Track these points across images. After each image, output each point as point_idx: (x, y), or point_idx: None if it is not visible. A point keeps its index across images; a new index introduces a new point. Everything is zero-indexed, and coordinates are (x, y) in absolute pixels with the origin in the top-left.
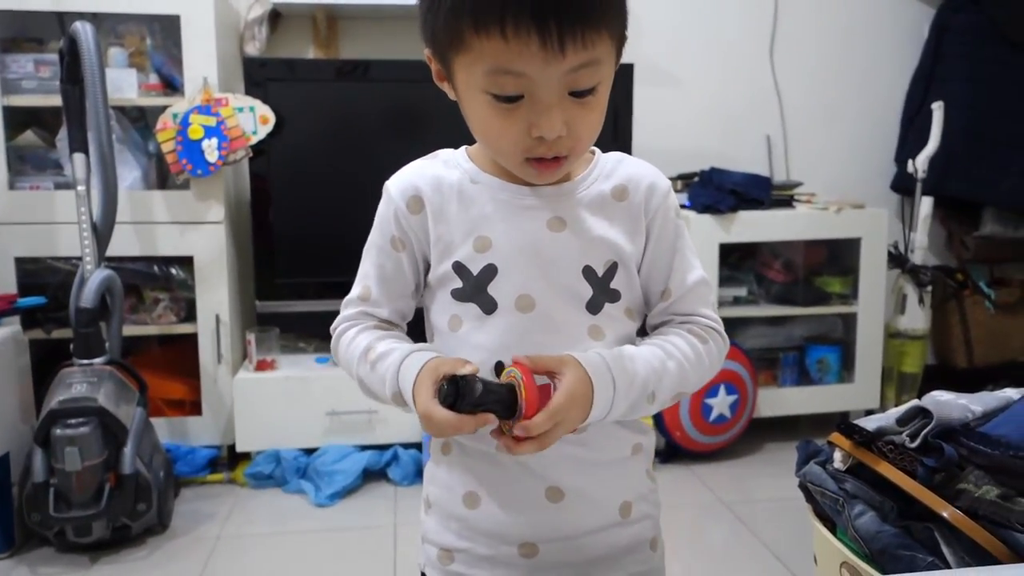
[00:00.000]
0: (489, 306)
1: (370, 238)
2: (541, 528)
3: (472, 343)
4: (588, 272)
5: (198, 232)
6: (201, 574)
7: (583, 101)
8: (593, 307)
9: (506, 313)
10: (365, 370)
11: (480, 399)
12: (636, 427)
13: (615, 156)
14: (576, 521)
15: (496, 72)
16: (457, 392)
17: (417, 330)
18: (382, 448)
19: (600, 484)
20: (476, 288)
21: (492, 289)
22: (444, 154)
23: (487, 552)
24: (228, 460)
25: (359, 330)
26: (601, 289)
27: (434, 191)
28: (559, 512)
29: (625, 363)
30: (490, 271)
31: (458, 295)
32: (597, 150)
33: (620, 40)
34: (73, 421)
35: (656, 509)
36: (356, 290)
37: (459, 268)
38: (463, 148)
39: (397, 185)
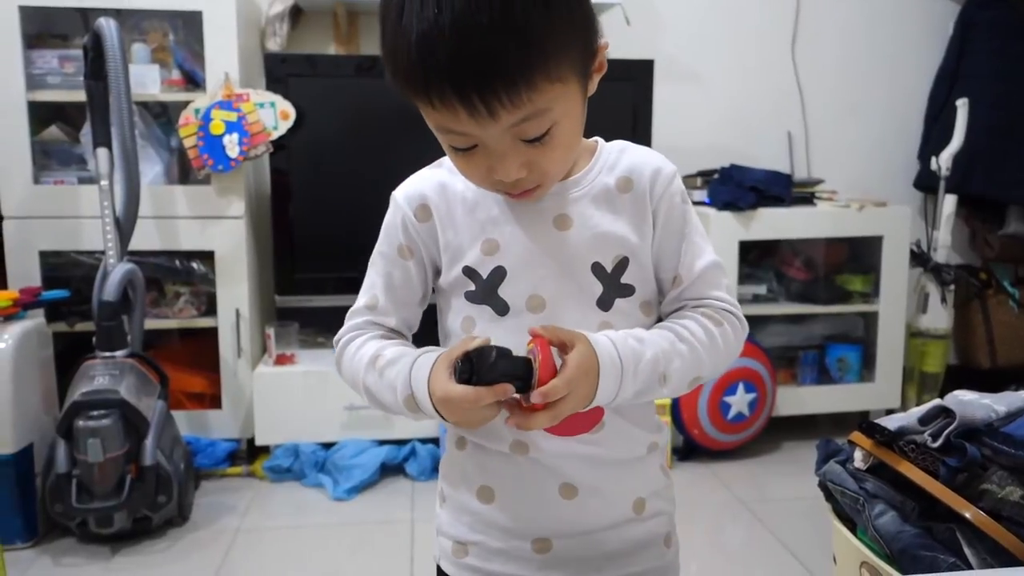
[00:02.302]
0: (501, 308)
1: (376, 248)
2: (554, 524)
3: None
4: (597, 268)
5: (219, 227)
6: (220, 566)
7: (538, 145)
8: (604, 304)
9: (518, 314)
10: (373, 378)
11: (495, 367)
12: (651, 425)
13: (617, 146)
14: (590, 517)
15: (440, 130)
16: (472, 367)
17: (425, 340)
18: (400, 443)
19: (614, 481)
20: (487, 291)
21: (503, 291)
22: (448, 161)
23: (501, 546)
24: (247, 453)
25: (366, 339)
26: (612, 285)
27: (440, 198)
28: (573, 508)
29: (631, 343)
30: (499, 274)
31: (471, 298)
32: (600, 140)
33: (581, 65)
34: (95, 413)
35: (671, 506)
36: (362, 300)
37: (470, 272)
38: None
39: (404, 194)
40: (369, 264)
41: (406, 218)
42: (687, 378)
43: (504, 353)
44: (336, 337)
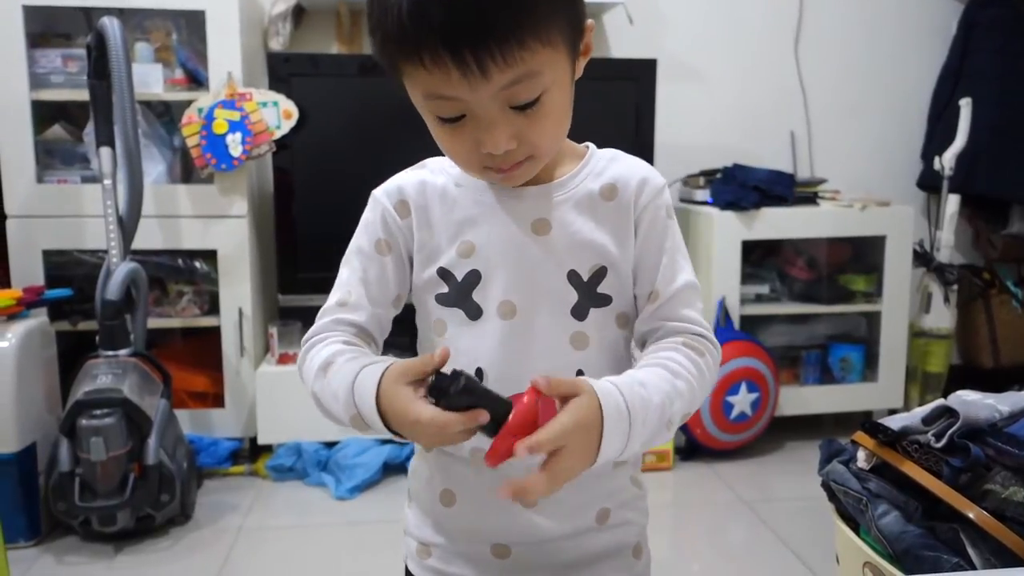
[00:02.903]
0: (474, 312)
1: (352, 245)
2: (513, 530)
3: (456, 348)
4: (573, 276)
5: (222, 226)
6: (223, 565)
7: (528, 112)
8: (578, 313)
9: (490, 319)
10: (320, 384)
11: (468, 389)
12: None
13: (608, 153)
14: (549, 526)
15: (430, 97)
16: (440, 389)
17: (401, 343)
18: (402, 442)
19: (576, 492)
20: (460, 294)
21: (477, 295)
22: (431, 162)
23: (461, 549)
24: (250, 452)
25: (327, 343)
26: (587, 294)
27: (419, 195)
28: (532, 516)
29: (637, 389)
30: (474, 277)
31: (443, 300)
32: (592, 146)
33: (570, 36)
34: (98, 412)
35: (642, 516)
36: (333, 297)
37: (444, 273)
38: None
39: (384, 190)
40: (342, 263)
41: (386, 212)
42: (682, 415)
43: (473, 382)
44: (303, 338)
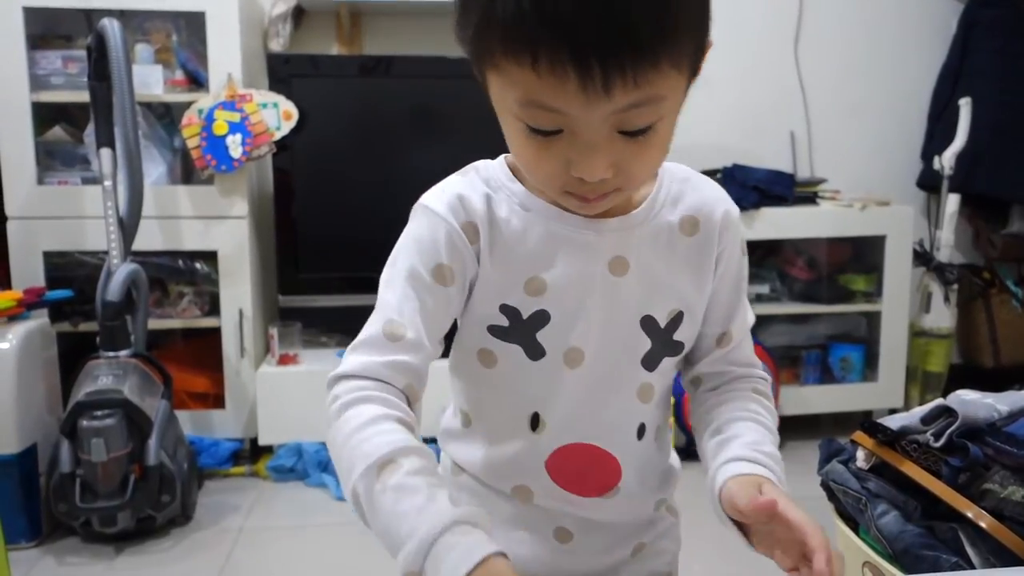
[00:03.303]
0: (536, 353)
1: (400, 264)
2: (546, 565)
3: (509, 386)
4: (648, 323)
5: (222, 227)
6: (224, 565)
7: (637, 140)
8: (650, 362)
9: (553, 363)
10: (367, 484)
11: None
12: (664, 481)
13: (680, 173)
14: (584, 561)
15: (529, 104)
16: None
17: None
18: None
19: (613, 532)
20: (524, 334)
21: (541, 336)
22: (484, 171)
23: None
24: (250, 453)
25: (377, 413)
26: (663, 342)
27: (487, 216)
28: (566, 551)
29: (778, 471)
30: (541, 318)
31: (499, 333)
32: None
33: (694, 58)
34: (99, 413)
35: (675, 544)
36: (376, 325)
37: (507, 310)
38: (502, 160)
39: (446, 204)
40: (384, 282)
41: (453, 233)
42: None
43: None
44: (337, 372)
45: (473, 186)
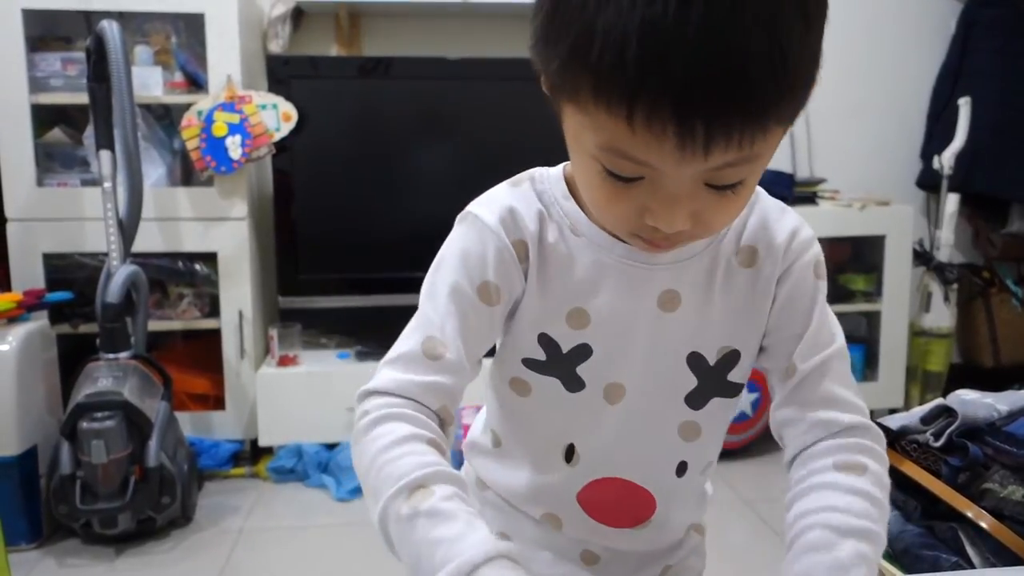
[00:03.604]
0: (575, 385)
1: (444, 276)
2: None
3: (545, 416)
4: (695, 360)
5: (222, 228)
6: (224, 566)
7: (725, 194)
8: (695, 401)
9: (592, 397)
10: (396, 506)
11: None
12: (696, 507)
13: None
14: None
15: (612, 151)
16: None
17: None
18: None
19: (642, 558)
20: (564, 367)
21: (581, 370)
22: (539, 183)
23: None
24: (251, 454)
25: (413, 433)
26: (713, 381)
27: (538, 235)
28: (591, 573)
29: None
30: (583, 352)
31: (534, 366)
32: None
33: (802, 107)
34: (99, 415)
35: (700, 561)
36: (415, 340)
37: (546, 341)
38: (560, 172)
39: (497, 215)
40: (425, 296)
41: (504, 249)
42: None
43: None
44: (364, 392)
45: (527, 200)
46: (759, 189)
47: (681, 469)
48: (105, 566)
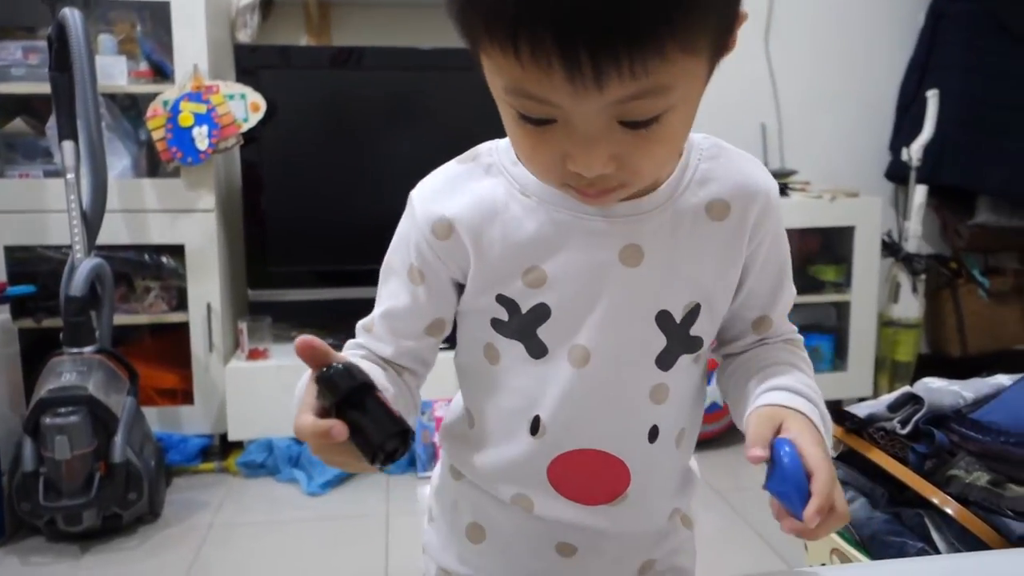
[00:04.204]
0: (537, 351)
1: (388, 257)
2: None
3: (510, 385)
4: (664, 319)
5: (189, 220)
6: (193, 562)
7: (640, 132)
8: (664, 362)
9: (557, 362)
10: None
11: (356, 394)
12: (677, 490)
13: (709, 146)
14: None
15: (515, 92)
16: (324, 380)
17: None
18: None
19: (621, 546)
20: (523, 329)
21: (543, 332)
22: (486, 153)
23: None
24: (220, 449)
25: (362, 354)
26: (679, 339)
27: (472, 211)
28: (568, 566)
29: (813, 396)
30: (541, 312)
31: (500, 328)
32: (689, 137)
33: (718, 36)
34: (63, 410)
35: (690, 560)
36: (369, 317)
37: (505, 301)
38: (509, 143)
39: (421, 200)
40: (380, 275)
41: (421, 236)
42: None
43: (355, 387)
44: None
45: (465, 174)
46: (723, 142)
47: (653, 434)
48: (70, 564)
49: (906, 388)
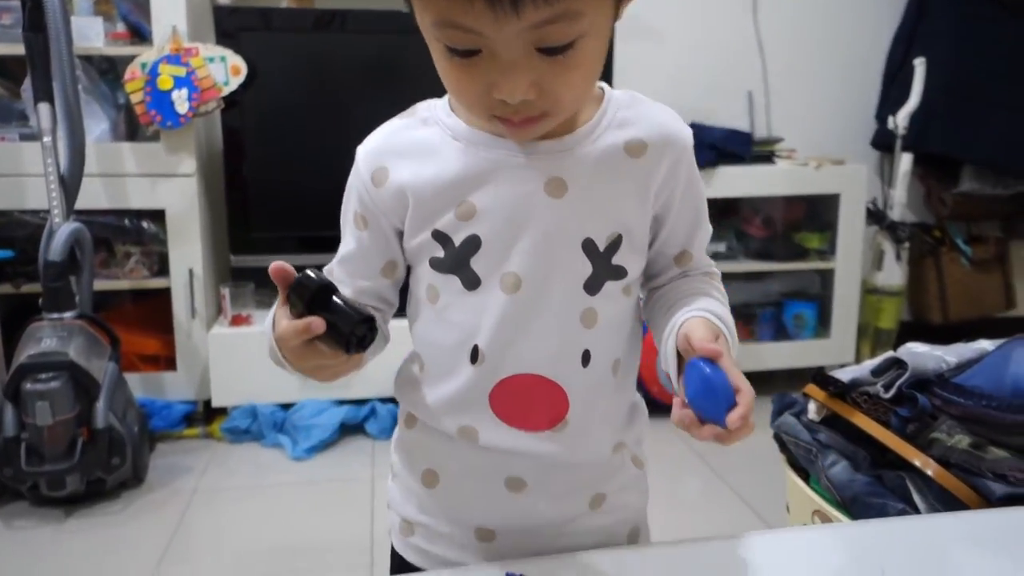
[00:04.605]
0: (471, 282)
1: (341, 207)
2: (498, 516)
3: (450, 320)
4: (588, 246)
5: (169, 185)
6: (178, 527)
7: (557, 59)
8: (591, 287)
9: (490, 291)
10: (267, 325)
11: (322, 294)
12: (621, 422)
13: (626, 97)
14: (537, 511)
15: (442, 24)
16: (294, 286)
17: None
18: (359, 403)
19: (568, 478)
20: (457, 261)
21: (475, 263)
22: (423, 108)
23: (444, 530)
24: (204, 415)
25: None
26: (603, 266)
27: (406, 155)
28: (518, 502)
29: (724, 314)
30: (473, 243)
31: (437, 265)
32: (606, 88)
33: None
34: (43, 376)
35: (641, 498)
36: (331, 263)
37: (439, 236)
38: (446, 99)
39: (364, 152)
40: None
41: (362, 182)
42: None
43: (324, 288)
44: None
45: (403, 125)
46: (640, 95)
47: (585, 358)
48: (54, 528)
49: (890, 353)
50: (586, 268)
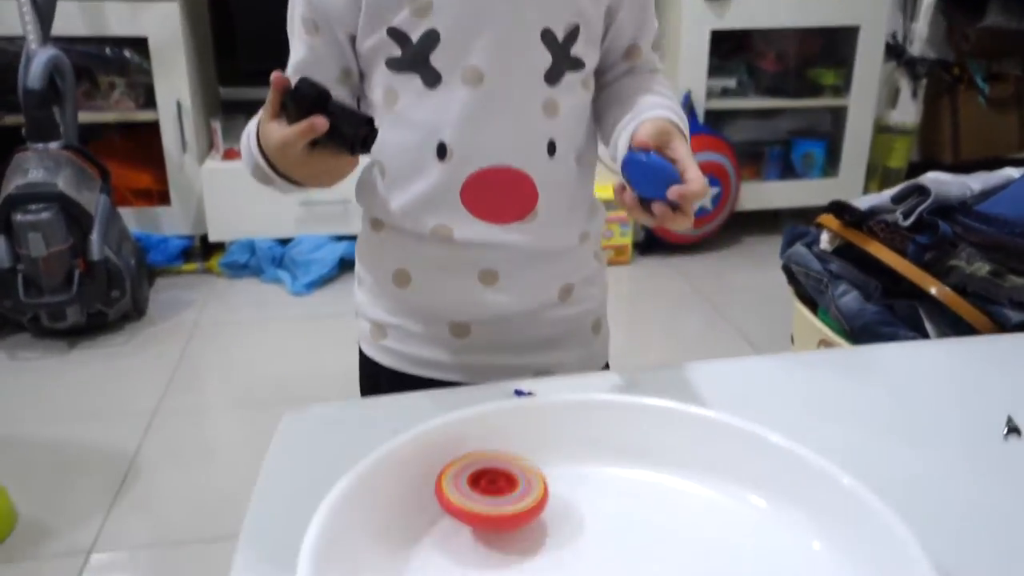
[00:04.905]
0: (432, 79)
1: (288, 12)
2: (472, 308)
3: (411, 120)
4: (547, 36)
5: (151, 11)
6: (180, 358)
7: None
8: (552, 77)
9: (452, 86)
10: (244, 147)
11: (307, 94)
12: (586, 213)
13: None
14: (510, 303)
15: None
16: (292, 93)
17: None
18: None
19: (539, 268)
20: (416, 58)
21: (435, 59)
22: None
23: (418, 329)
24: (202, 250)
25: None
26: (562, 57)
27: None
28: (492, 294)
29: (677, 111)
30: (431, 38)
31: (394, 65)
32: None
33: None
34: (33, 207)
35: (602, 292)
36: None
37: (395, 34)
38: None
39: None
40: (287, 28)
41: None
42: None
43: (320, 90)
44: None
45: None
46: None
47: (551, 148)
48: (58, 359)
49: (913, 180)
50: (546, 59)
